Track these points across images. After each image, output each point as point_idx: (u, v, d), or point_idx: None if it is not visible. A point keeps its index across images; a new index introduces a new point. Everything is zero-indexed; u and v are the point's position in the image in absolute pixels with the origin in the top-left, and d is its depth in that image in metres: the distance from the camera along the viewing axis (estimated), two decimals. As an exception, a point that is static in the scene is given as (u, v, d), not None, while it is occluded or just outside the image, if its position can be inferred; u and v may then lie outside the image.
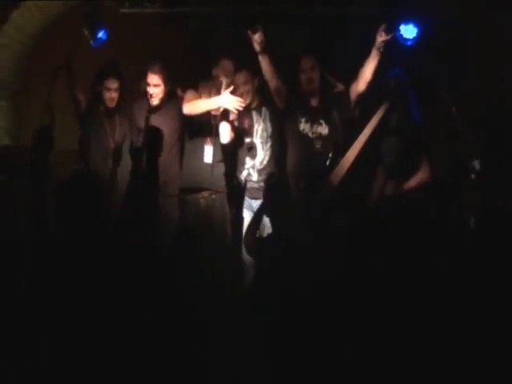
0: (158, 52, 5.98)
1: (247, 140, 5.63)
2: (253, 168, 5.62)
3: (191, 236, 4.05)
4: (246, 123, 5.64)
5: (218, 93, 5.40)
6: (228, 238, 5.36)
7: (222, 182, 5.54)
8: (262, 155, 5.61)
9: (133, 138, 5.55)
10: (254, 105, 5.65)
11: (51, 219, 3.33)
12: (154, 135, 3.94)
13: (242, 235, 4.38)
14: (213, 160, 5.50)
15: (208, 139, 5.60)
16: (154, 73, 5.46)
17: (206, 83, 5.67)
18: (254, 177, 5.59)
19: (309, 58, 5.47)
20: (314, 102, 5.58)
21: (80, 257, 3.20)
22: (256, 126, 5.63)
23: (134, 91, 5.72)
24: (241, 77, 5.47)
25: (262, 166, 5.60)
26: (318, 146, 5.52)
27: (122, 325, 3.10)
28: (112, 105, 5.52)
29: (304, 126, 5.54)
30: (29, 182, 3.51)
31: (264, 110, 5.66)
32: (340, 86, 5.55)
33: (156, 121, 5.34)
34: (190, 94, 5.60)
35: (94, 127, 5.56)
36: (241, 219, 4.36)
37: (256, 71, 5.44)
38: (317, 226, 4.19)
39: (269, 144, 5.63)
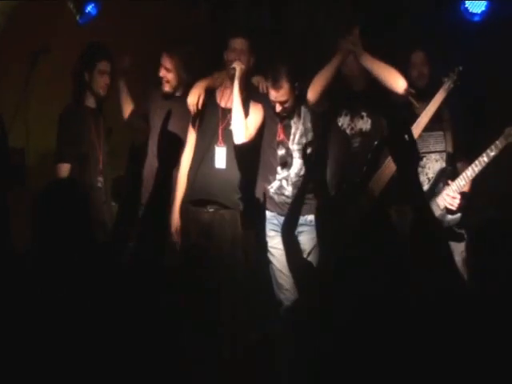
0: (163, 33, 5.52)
1: (280, 152, 4.88)
2: (286, 180, 4.81)
3: (189, 259, 3.73)
4: (282, 132, 4.86)
5: (231, 83, 4.76)
6: (239, 263, 4.76)
7: (237, 195, 4.86)
8: (299, 165, 4.83)
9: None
10: (294, 110, 4.87)
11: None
12: (172, 143, 3.13)
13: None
14: (226, 165, 4.80)
15: (220, 138, 4.84)
16: (168, 56, 5.00)
17: (220, 73, 4.98)
18: (288, 190, 4.81)
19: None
20: (356, 87, 4.76)
21: (62, 283, 2.79)
22: (293, 130, 4.84)
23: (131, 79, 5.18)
24: (282, 95, 4.67)
25: (297, 178, 4.81)
26: (355, 145, 4.76)
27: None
28: (104, 93, 4.94)
29: (343, 121, 4.79)
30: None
31: (303, 109, 4.85)
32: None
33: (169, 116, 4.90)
34: (195, 86, 4.91)
35: (78, 127, 4.90)
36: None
37: (295, 75, 4.69)
38: (352, 246, 3.41)
39: (308, 151, 4.77)
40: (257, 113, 4.78)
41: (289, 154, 4.80)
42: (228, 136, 4.77)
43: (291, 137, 4.80)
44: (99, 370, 2.75)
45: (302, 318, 3.41)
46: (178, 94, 5.05)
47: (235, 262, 4.70)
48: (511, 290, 2.59)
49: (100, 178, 4.89)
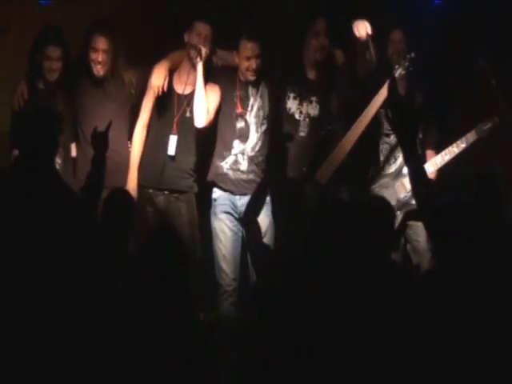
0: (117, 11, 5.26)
1: (240, 125, 4.80)
2: (242, 154, 4.76)
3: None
4: (240, 103, 4.79)
5: (192, 64, 4.68)
6: (197, 244, 4.76)
7: (192, 179, 4.81)
8: (255, 139, 4.79)
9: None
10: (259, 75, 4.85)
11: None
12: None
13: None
14: (179, 152, 4.75)
15: (174, 126, 4.77)
16: (101, 34, 4.76)
17: (179, 52, 4.85)
18: (243, 165, 4.76)
19: (320, 20, 4.70)
20: (311, 75, 4.79)
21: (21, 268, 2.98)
22: (252, 101, 4.77)
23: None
24: (259, 47, 4.63)
25: (253, 153, 4.79)
26: (302, 134, 4.73)
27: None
28: (53, 78, 4.80)
29: (291, 104, 4.75)
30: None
31: (262, 84, 4.81)
32: (339, 55, 4.79)
33: (101, 97, 4.88)
34: (159, 67, 4.77)
35: (31, 109, 4.69)
36: None
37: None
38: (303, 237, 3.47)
39: (264, 127, 4.79)
40: (215, 95, 4.73)
41: (247, 125, 4.75)
42: (182, 124, 4.72)
43: (249, 108, 4.75)
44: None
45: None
46: (105, 78, 4.87)
47: (194, 243, 4.68)
48: (473, 269, 2.63)
49: (58, 160, 4.68)
